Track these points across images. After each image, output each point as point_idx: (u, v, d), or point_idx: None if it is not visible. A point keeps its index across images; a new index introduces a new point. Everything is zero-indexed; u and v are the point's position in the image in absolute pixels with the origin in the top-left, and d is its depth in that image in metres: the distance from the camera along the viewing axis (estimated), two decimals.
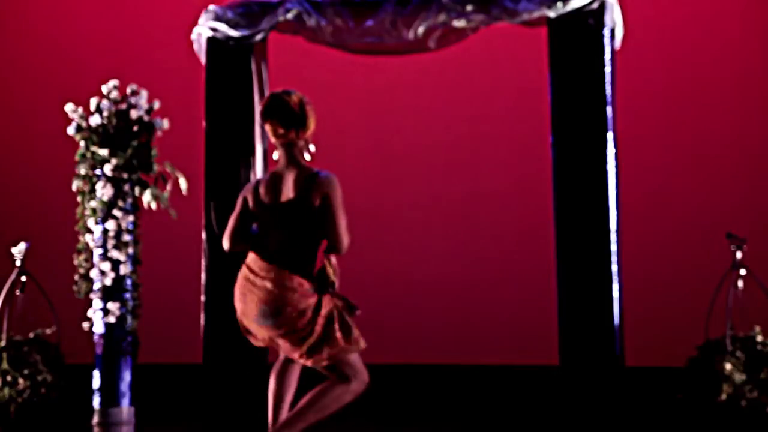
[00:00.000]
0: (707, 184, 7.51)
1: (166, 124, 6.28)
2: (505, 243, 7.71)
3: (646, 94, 7.54)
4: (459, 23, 5.84)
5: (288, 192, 4.56)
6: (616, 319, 5.66)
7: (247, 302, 4.55)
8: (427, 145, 7.88)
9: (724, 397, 5.63)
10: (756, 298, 5.86)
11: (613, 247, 5.67)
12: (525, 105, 7.43)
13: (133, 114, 6.21)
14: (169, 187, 6.23)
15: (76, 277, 6.29)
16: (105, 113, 6.23)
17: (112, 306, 6.17)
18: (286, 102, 4.60)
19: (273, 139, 4.66)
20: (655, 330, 7.02)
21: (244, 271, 4.59)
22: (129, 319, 6.21)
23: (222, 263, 5.72)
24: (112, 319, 6.17)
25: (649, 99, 7.58)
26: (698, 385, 5.74)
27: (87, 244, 6.28)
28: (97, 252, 6.21)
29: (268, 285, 4.48)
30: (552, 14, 5.76)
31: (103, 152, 6.18)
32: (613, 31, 5.83)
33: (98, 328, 6.20)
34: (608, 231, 5.68)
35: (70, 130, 6.28)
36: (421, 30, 5.86)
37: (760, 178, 7.43)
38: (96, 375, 6.20)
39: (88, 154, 6.24)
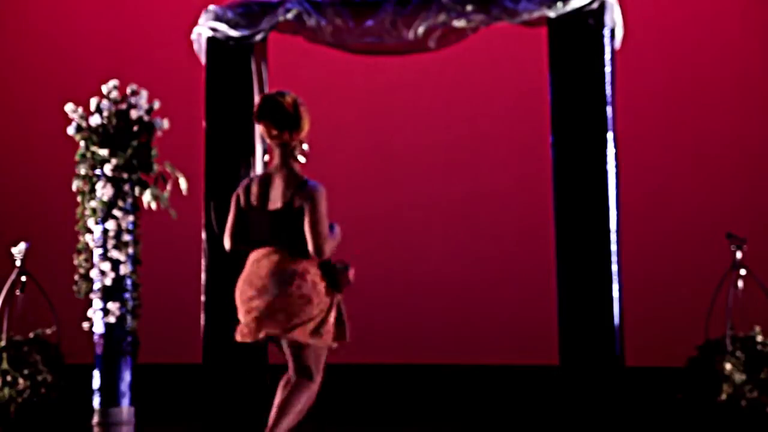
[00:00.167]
0: (707, 184, 7.50)
1: (166, 124, 6.28)
2: (505, 243, 7.70)
3: (646, 94, 7.53)
4: (459, 23, 5.85)
5: (276, 200, 4.58)
6: (616, 319, 5.66)
7: (253, 280, 4.54)
8: (427, 145, 7.86)
9: (724, 397, 5.63)
10: (756, 298, 5.86)
11: (613, 247, 5.68)
12: (525, 105, 7.43)
13: (133, 114, 6.21)
14: (169, 187, 6.23)
15: (76, 277, 6.29)
16: (105, 113, 6.23)
17: (112, 306, 6.17)
18: (280, 103, 4.60)
19: (267, 140, 4.68)
20: (655, 330, 7.01)
21: (250, 260, 4.62)
22: (129, 319, 6.21)
23: (222, 263, 5.73)
24: (112, 319, 6.17)
25: (649, 99, 7.57)
26: (698, 385, 5.73)
27: (87, 244, 6.28)
28: (97, 252, 6.21)
29: (276, 258, 4.52)
30: (552, 14, 5.76)
31: (103, 152, 6.18)
32: (613, 31, 5.83)
33: (98, 328, 6.20)
34: (608, 231, 5.68)
35: (70, 130, 6.28)
36: (421, 30, 5.86)
37: (760, 178, 7.42)
38: (96, 375, 6.20)
39: (88, 154, 6.24)
